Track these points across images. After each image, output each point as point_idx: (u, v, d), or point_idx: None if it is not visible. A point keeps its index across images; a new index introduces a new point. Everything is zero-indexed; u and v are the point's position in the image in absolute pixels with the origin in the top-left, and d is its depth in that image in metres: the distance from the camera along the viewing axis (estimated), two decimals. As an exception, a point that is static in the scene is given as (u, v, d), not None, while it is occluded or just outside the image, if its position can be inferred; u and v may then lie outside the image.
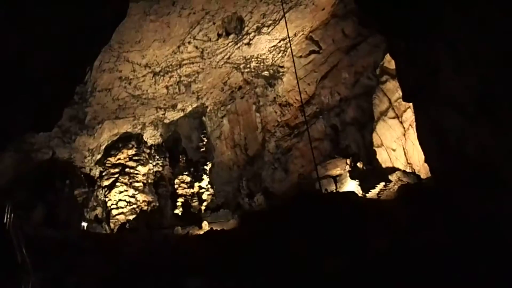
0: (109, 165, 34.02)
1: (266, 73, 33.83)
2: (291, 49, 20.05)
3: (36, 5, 10.21)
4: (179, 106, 35.15)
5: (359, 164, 28.20)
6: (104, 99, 28.10)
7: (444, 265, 9.34)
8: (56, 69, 12.99)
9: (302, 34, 30.58)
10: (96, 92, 26.84)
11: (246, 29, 27.81)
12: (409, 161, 24.38)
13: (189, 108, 36.64)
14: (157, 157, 37.86)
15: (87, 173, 32.52)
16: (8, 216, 10.08)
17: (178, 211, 36.61)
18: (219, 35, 27.57)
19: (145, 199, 34.06)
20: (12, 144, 22.51)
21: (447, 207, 11.30)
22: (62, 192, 29.30)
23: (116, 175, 33.73)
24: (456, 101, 8.98)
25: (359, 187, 25.02)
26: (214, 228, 24.90)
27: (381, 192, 23.54)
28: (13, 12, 9.81)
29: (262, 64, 32.69)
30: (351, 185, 25.76)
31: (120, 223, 31.99)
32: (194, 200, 38.07)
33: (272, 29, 28.62)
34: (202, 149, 41.46)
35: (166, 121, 36.96)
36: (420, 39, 10.05)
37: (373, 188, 24.45)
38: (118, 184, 33.28)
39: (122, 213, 32.46)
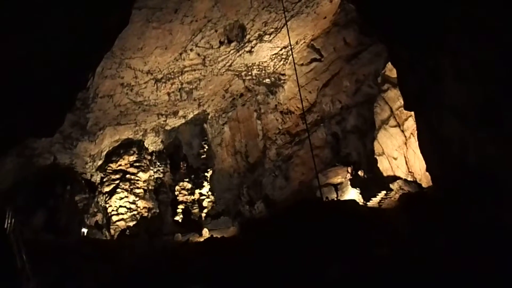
0: (110, 171, 34.01)
1: (267, 80, 33.93)
2: (292, 57, 20.14)
3: (39, 11, 10.27)
4: (181, 113, 35.22)
5: (360, 173, 28.15)
6: (106, 105, 28.16)
7: (445, 274, 9.29)
8: (58, 75, 13.05)
9: (304, 42, 30.73)
10: (98, 98, 26.90)
11: (247, 36, 27.94)
12: (410, 170, 24.34)
13: (191, 115, 36.72)
14: (158, 163, 37.86)
15: (88, 179, 32.53)
16: (9, 221, 10.06)
17: (178, 218, 36.54)
18: (221, 43, 27.69)
19: (146, 205, 34.00)
20: (13, 149, 22.53)
21: (449, 216, 11.27)
22: (63, 197, 29.30)
23: (117, 181, 33.70)
24: (458, 109, 9.00)
25: (360, 196, 24.96)
26: (214, 235, 24.83)
27: (382, 201, 23.49)
28: (16, 18, 9.87)
29: (263, 71, 32.80)
30: (352, 193, 25.71)
31: (120, 229, 31.91)
32: (194, 207, 38.00)
33: (273, 37, 28.77)
34: (203, 156, 41.44)
35: (168, 127, 37.01)
36: (422, 47, 10.09)
37: (374, 196, 24.40)
38: (118, 190, 33.24)
39: (122, 219, 32.40)
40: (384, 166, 26.23)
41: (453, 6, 8.29)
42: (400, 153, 25.00)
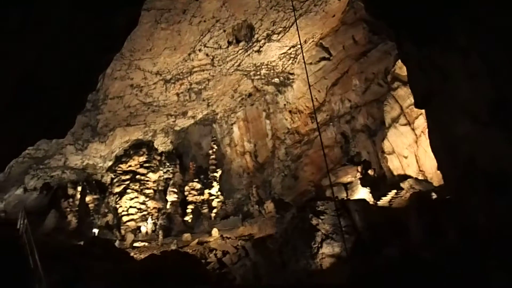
0: (120, 172, 34.28)
1: (276, 80, 33.88)
2: (303, 56, 20.04)
3: (47, 11, 10.35)
4: (190, 113, 35.34)
5: (370, 172, 27.98)
6: (116, 106, 28.39)
7: (456, 275, 9.18)
8: (69, 77, 13.14)
9: (312, 41, 30.63)
10: (108, 100, 27.14)
11: (256, 36, 27.94)
12: (421, 169, 24.09)
13: (200, 115, 36.82)
14: (168, 164, 38.01)
15: (98, 179, 32.85)
16: (21, 222, 10.18)
17: (188, 218, 36.63)
18: (229, 43, 27.73)
19: (156, 206, 34.17)
20: (25, 151, 22.78)
21: (460, 216, 11.13)
22: (74, 198, 29.57)
23: (127, 182, 33.96)
24: (469, 108, 8.86)
25: (370, 195, 24.77)
26: (224, 235, 24.87)
27: (393, 200, 23.27)
28: (25, 19, 9.96)
29: (272, 71, 32.76)
30: (362, 193, 25.54)
31: (130, 229, 32.11)
32: (204, 207, 38.05)
33: (282, 36, 28.71)
34: (212, 156, 41.50)
35: (177, 128, 37.17)
36: (432, 45, 9.97)
37: (385, 195, 24.18)
38: (129, 190, 33.49)
39: (132, 219, 32.61)
40: (395, 165, 26.01)
41: (463, 3, 8.18)
42: (411, 151, 24.77)
